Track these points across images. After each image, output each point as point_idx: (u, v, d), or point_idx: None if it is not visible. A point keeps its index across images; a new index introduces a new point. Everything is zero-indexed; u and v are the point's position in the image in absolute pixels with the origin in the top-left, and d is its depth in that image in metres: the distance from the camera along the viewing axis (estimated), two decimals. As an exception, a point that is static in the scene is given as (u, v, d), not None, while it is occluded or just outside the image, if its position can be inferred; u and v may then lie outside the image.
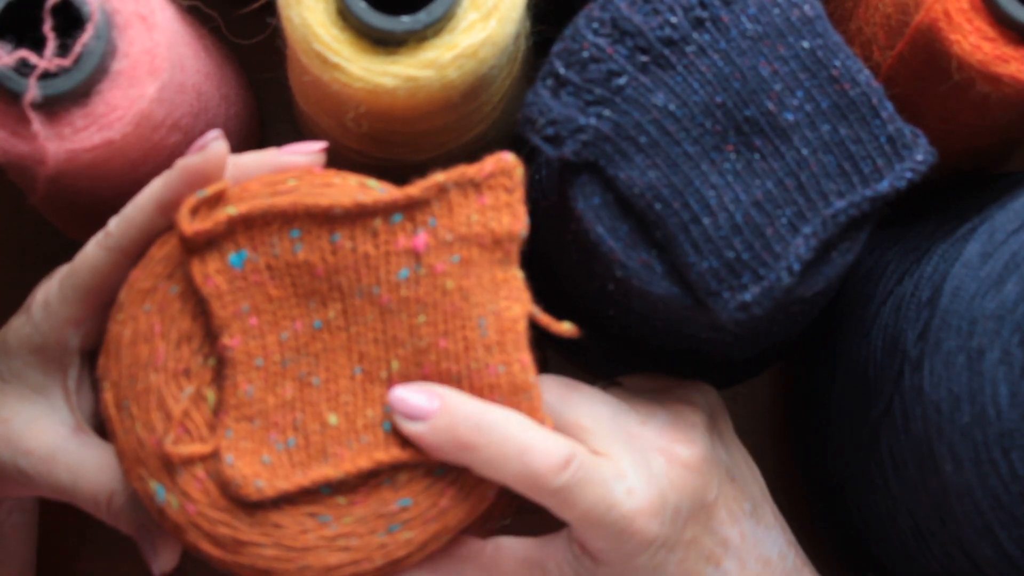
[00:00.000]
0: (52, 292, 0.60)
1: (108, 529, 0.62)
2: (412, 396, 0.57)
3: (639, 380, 0.66)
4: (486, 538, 0.61)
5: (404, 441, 0.57)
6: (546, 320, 0.58)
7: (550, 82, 0.60)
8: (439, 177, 0.58)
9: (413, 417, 0.56)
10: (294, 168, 0.60)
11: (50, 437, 0.60)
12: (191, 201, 0.57)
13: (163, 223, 0.59)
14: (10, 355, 0.61)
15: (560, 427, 0.59)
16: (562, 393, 0.60)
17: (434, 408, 0.56)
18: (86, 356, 0.62)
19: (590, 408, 0.60)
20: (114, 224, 0.59)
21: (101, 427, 0.62)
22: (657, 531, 0.57)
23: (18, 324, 0.61)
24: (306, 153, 0.60)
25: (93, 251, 0.60)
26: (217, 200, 0.58)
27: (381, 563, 0.57)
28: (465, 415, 0.56)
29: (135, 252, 0.59)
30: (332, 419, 0.58)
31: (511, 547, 0.59)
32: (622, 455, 0.58)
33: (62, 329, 0.60)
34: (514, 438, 0.56)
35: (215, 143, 0.58)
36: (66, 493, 0.60)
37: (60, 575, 0.79)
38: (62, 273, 0.61)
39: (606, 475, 0.57)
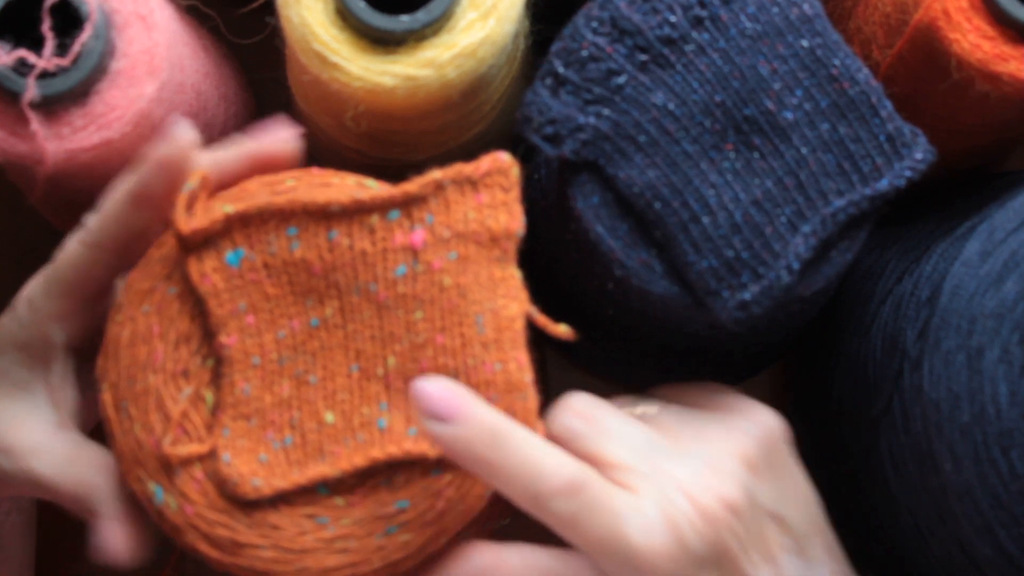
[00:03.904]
0: (36, 288, 0.60)
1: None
2: (436, 395, 0.54)
3: (690, 393, 0.63)
4: (484, 540, 0.61)
5: (400, 439, 0.57)
6: (543, 321, 0.58)
7: (549, 81, 0.60)
8: (436, 174, 0.58)
9: (434, 416, 0.54)
10: (272, 156, 0.59)
11: (31, 435, 0.60)
12: (183, 197, 0.57)
13: (138, 216, 0.58)
14: None
15: (586, 454, 0.57)
16: (594, 417, 0.58)
17: (455, 412, 0.54)
18: (71, 353, 0.62)
19: (621, 438, 0.58)
20: (91, 220, 0.59)
21: (86, 425, 0.62)
22: (669, 573, 0.55)
23: (4, 321, 0.61)
24: (281, 140, 0.60)
25: (73, 247, 0.59)
26: (204, 190, 0.58)
27: (379, 565, 0.57)
28: (484, 428, 0.54)
29: (115, 247, 0.59)
30: (329, 417, 0.58)
31: (532, 556, 0.58)
32: (647, 491, 0.56)
33: (45, 325, 0.60)
34: (526, 457, 0.54)
35: (179, 130, 0.57)
36: (48, 491, 0.60)
37: (60, 575, 0.79)
38: (46, 270, 0.61)
39: (620, 508, 0.55)
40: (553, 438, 0.58)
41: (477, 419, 0.54)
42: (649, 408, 0.62)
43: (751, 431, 0.60)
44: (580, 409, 0.58)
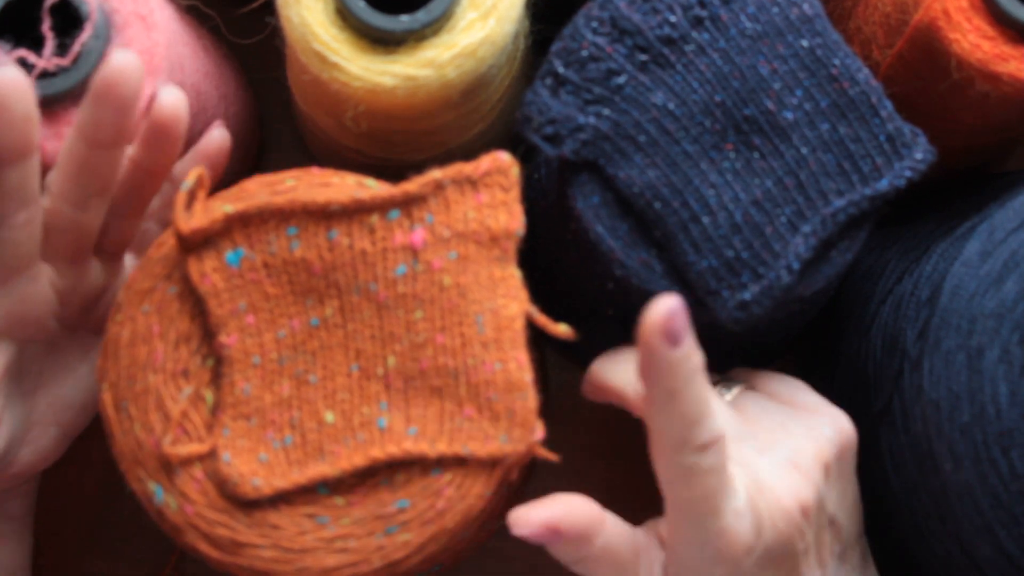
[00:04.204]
0: None
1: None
2: (680, 315, 0.50)
3: (771, 382, 0.63)
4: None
5: (400, 438, 0.57)
6: (543, 321, 0.58)
7: (549, 81, 0.60)
8: (436, 174, 0.58)
9: (671, 336, 0.50)
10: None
11: None
12: (182, 196, 0.57)
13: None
14: None
15: None
16: (709, 389, 0.55)
17: (684, 337, 0.51)
18: (2, 342, 0.61)
19: (719, 417, 0.56)
20: None
21: (96, 430, 0.62)
22: (739, 561, 0.55)
23: None
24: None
25: None
26: (202, 189, 0.58)
27: (379, 565, 0.57)
28: (692, 359, 0.51)
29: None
30: (329, 417, 0.58)
31: (626, 529, 0.57)
32: (740, 477, 0.56)
33: None
34: (702, 400, 0.52)
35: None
36: None
37: (60, 575, 0.79)
38: None
39: (727, 482, 0.54)
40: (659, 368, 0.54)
41: (691, 347, 0.52)
42: (728, 391, 0.63)
43: (831, 435, 0.60)
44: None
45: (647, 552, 0.57)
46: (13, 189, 0.56)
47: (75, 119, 0.57)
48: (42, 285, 0.60)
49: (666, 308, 0.50)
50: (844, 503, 0.61)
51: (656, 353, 0.51)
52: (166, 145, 0.60)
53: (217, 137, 0.63)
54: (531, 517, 0.55)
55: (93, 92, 0.56)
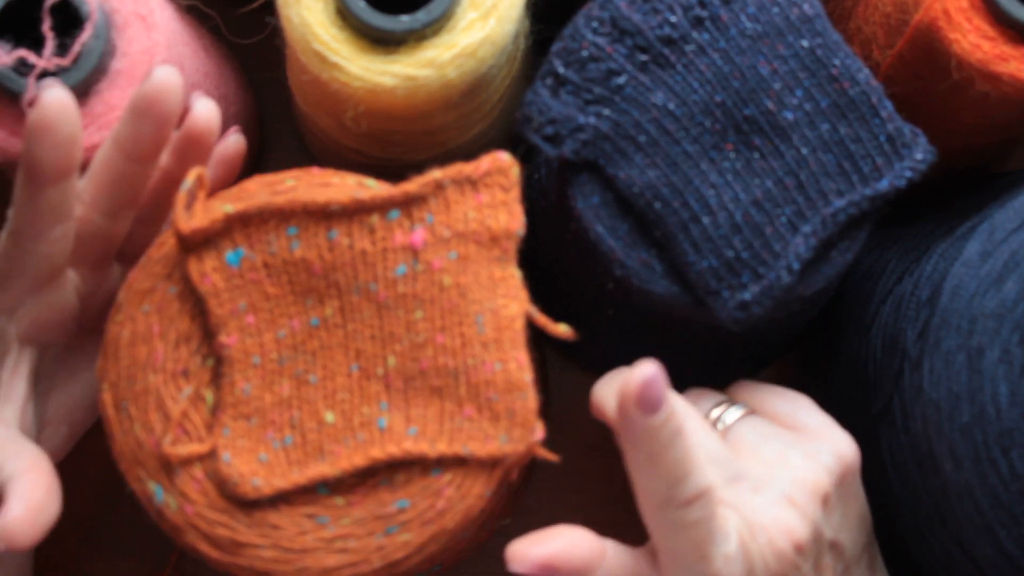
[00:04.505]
0: None
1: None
2: (653, 382, 0.50)
3: (772, 401, 0.62)
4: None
5: (400, 438, 0.57)
6: (543, 321, 0.58)
7: (549, 81, 0.60)
8: (436, 174, 0.58)
9: (646, 405, 0.50)
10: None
11: None
12: (182, 196, 0.57)
13: (41, 194, 0.56)
14: None
15: None
16: (688, 437, 0.55)
17: (661, 404, 0.51)
18: (28, 345, 0.61)
19: (711, 464, 0.57)
20: (11, 211, 0.58)
21: (72, 415, 0.62)
22: None
23: None
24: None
25: (2, 237, 0.59)
26: (202, 189, 0.58)
27: (379, 565, 0.57)
28: (673, 422, 0.51)
29: (32, 231, 0.57)
30: (329, 417, 0.58)
31: (626, 555, 0.57)
32: (731, 520, 0.56)
33: None
34: (684, 461, 0.53)
35: (48, 91, 0.55)
36: None
37: (60, 575, 0.79)
38: None
39: (716, 529, 0.55)
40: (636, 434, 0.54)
41: (670, 412, 0.52)
42: (728, 415, 0.62)
43: (830, 464, 0.60)
44: (691, 430, 0.57)
45: None
46: (52, 206, 0.57)
47: (113, 132, 0.58)
48: (68, 291, 0.61)
49: (641, 376, 0.51)
50: (847, 523, 0.61)
51: (633, 421, 0.52)
52: (198, 156, 0.61)
53: (234, 142, 0.64)
54: (529, 555, 0.55)
55: (134, 107, 0.57)
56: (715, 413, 0.62)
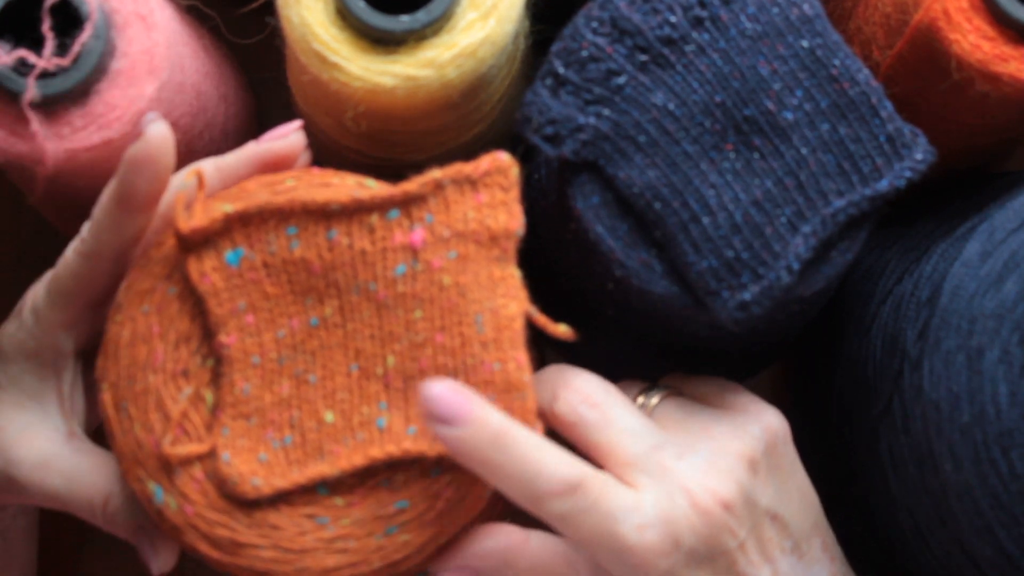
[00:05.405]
0: (40, 297, 0.60)
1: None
2: (443, 397, 0.55)
3: (698, 385, 0.64)
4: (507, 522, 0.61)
5: (399, 438, 0.57)
6: (543, 321, 0.58)
7: (549, 81, 0.60)
8: (436, 174, 0.58)
9: (440, 419, 0.55)
10: (276, 156, 0.60)
11: (42, 444, 0.60)
12: (182, 197, 0.57)
13: (130, 220, 0.58)
14: (6, 361, 0.61)
15: (591, 444, 0.58)
16: (603, 405, 0.59)
17: (461, 415, 0.55)
18: (79, 359, 0.62)
19: (627, 432, 0.58)
20: (85, 229, 0.59)
21: (98, 431, 0.62)
22: (664, 570, 0.56)
23: (12, 330, 0.61)
24: (283, 136, 0.60)
25: (71, 257, 0.60)
26: (201, 189, 0.58)
27: (379, 565, 0.57)
28: (487, 430, 0.55)
29: (111, 254, 0.59)
30: (328, 416, 0.58)
31: (551, 542, 0.59)
32: (647, 488, 0.57)
33: (53, 333, 0.60)
34: (526, 460, 0.55)
35: (152, 126, 0.57)
36: (60, 500, 0.60)
37: (60, 575, 0.79)
38: (47, 278, 0.60)
39: (616, 506, 0.56)
40: (559, 420, 0.59)
41: (481, 421, 0.55)
42: (652, 398, 0.63)
43: (756, 432, 0.61)
44: (589, 394, 0.59)
45: (581, 560, 0.58)
46: (136, 232, 0.59)
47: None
48: None
49: (434, 392, 0.55)
50: (785, 497, 0.61)
51: (445, 438, 0.55)
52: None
53: (294, 140, 0.63)
54: (445, 567, 0.58)
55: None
56: (640, 399, 0.63)
